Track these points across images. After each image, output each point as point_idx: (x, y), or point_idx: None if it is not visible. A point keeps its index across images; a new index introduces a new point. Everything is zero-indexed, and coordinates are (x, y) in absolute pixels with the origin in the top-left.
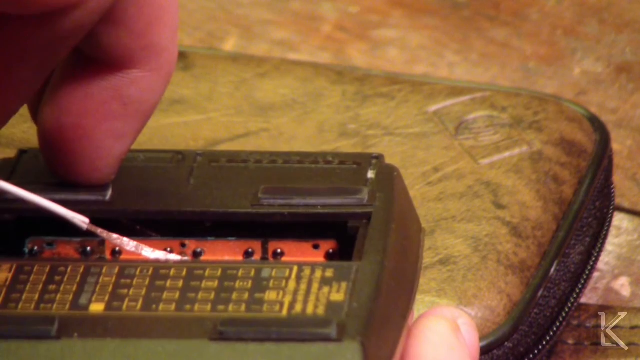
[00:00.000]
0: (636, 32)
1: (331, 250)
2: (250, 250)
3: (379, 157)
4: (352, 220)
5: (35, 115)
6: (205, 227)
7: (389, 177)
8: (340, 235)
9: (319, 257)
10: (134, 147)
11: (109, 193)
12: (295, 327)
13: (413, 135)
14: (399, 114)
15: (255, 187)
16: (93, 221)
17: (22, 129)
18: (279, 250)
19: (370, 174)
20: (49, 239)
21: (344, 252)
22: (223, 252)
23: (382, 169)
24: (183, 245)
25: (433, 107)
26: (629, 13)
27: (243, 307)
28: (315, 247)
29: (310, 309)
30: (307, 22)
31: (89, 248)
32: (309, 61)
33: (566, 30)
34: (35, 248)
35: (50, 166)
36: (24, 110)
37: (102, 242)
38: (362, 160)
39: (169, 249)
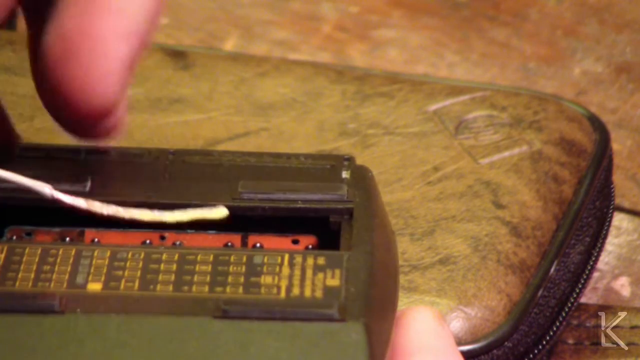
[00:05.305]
0: (636, 32)
1: (310, 246)
2: (229, 244)
3: (351, 159)
4: (333, 216)
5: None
6: None
7: (364, 177)
8: (321, 231)
9: None
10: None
11: (89, 184)
12: (297, 307)
13: (413, 135)
14: (399, 113)
15: (233, 183)
16: (74, 211)
17: (22, 129)
18: (258, 245)
19: (345, 174)
20: (28, 229)
21: (323, 247)
22: (202, 246)
23: (356, 169)
24: (162, 237)
25: (433, 107)
26: (629, 13)
27: (241, 290)
28: (295, 242)
29: (308, 293)
30: (307, 22)
31: (68, 238)
32: (309, 60)
33: (566, 30)
34: (14, 237)
35: (52, 94)
36: (24, 110)
37: (82, 232)
38: (335, 161)
39: (148, 241)
